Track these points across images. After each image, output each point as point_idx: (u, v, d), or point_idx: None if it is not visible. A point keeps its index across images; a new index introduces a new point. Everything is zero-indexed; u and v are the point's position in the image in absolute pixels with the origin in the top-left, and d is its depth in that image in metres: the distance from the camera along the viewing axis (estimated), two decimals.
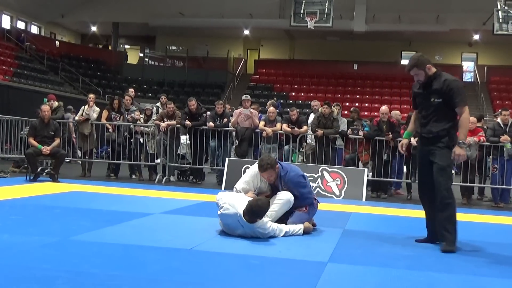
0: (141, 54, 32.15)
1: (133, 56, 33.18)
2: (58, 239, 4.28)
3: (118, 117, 10.59)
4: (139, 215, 5.79)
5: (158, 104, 11.54)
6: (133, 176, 10.66)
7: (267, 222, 4.78)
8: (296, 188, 5.16)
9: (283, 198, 5.10)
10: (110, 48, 30.99)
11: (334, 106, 10.25)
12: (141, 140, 10.52)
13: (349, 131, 9.68)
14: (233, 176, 9.00)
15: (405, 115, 11.01)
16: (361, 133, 9.53)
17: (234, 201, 4.77)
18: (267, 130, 9.70)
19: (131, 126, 10.49)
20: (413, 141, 9.17)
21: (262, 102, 15.22)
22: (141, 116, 10.68)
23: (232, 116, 10.25)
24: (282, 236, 4.83)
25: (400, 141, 9.14)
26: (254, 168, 5.34)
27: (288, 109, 10.79)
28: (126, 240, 4.37)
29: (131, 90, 11.80)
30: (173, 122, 10.11)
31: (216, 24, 26.92)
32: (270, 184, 5.26)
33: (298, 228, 4.99)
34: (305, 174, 5.50)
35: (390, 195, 9.72)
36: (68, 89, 24.20)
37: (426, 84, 4.81)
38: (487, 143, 9.02)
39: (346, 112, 21.35)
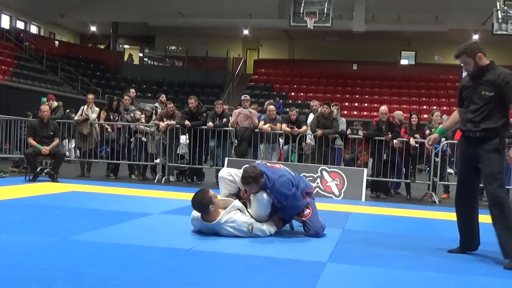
0: (141, 54, 32.13)
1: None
2: (57, 239, 4.28)
3: (117, 117, 10.60)
4: (138, 215, 5.78)
5: (156, 104, 11.53)
6: (132, 176, 10.66)
7: (234, 217, 4.60)
8: (281, 201, 4.77)
9: (256, 198, 4.79)
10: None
11: (333, 106, 10.26)
12: (144, 139, 10.49)
13: (348, 131, 9.69)
14: None
15: (406, 115, 11.00)
16: (360, 133, 9.54)
17: (194, 212, 4.74)
18: (265, 127, 9.71)
19: (131, 125, 10.49)
20: (412, 141, 9.18)
21: (262, 102, 15.22)
22: (142, 115, 10.68)
23: (231, 116, 10.26)
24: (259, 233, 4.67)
25: (399, 141, 9.28)
26: (220, 174, 5.13)
27: (288, 109, 10.80)
28: (126, 240, 4.36)
29: (132, 91, 11.80)
30: (173, 122, 10.11)
31: (216, 24, 26.93)
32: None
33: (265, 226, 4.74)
34: (294, 177, 4.91)
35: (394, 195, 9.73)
36: (67, 89, 24.21)
37: (476, 76, 4.32)
38: None
39: (345, 112, 21.37)
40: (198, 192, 4.71)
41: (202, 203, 4.59)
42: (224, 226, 4.58)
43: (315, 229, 4.92)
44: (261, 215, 4.78)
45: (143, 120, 10.61)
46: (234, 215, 4.63)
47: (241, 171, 4.92)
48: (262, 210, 4.77)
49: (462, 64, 4.37)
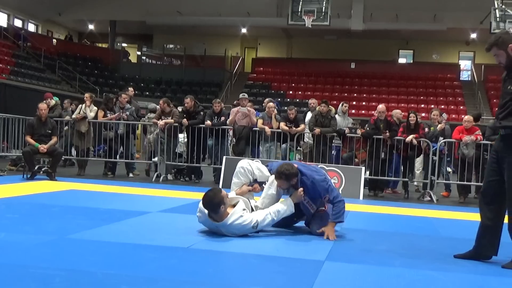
0: (139, 53, 32.08)
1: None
2: (55, 238, 4.27)
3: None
4: (136, 213, 5.78)
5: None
6: (130, 175, 10.66)
7: (241, 214, 4.57)
8: (325, 195, 4.91)
9: (268, 183, 4.95)
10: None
11: (342, 105, 10.31)
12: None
13: (346, 130, 9.69)
14: (230, 174, 8.95)
15: (404, 113, 11.01)
16: (359, 131, 9.54)
17: (201, 205, 4.67)
18: (267, 129, 9.70)
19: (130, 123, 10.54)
20: (409, 138, 9.18)
21: (260, 101, 15.23)
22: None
23: (229, 114, 10.26)
24: (269, 224, 4.74)
25: (397, 140, 9.28)
26: (240, 164, 5.22)
27: (286, 108, 10.80)
28: (124, 239, 4.36)
29: (131, 89, 11.76)
30: (171, 120, 10.11)
31: (214, 22, 26.90)
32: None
33: (282, 209, 4.81)
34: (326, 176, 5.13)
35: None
36: (65, 88, 24.14)
37: (509, 68, 4.02)
38: (484, 142, 9.03)
39: None
40: (210, 192, 4.62)
41: (214, 203, 4.51)
42: (229, 228, 4.55)
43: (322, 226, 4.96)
44: (267, 206, 4.89)
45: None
46: (240, 218, 4.56)
47: (260, 165, 5.17)
48: (266, 192, 4.93)
49: (494, 56, 4.09)
